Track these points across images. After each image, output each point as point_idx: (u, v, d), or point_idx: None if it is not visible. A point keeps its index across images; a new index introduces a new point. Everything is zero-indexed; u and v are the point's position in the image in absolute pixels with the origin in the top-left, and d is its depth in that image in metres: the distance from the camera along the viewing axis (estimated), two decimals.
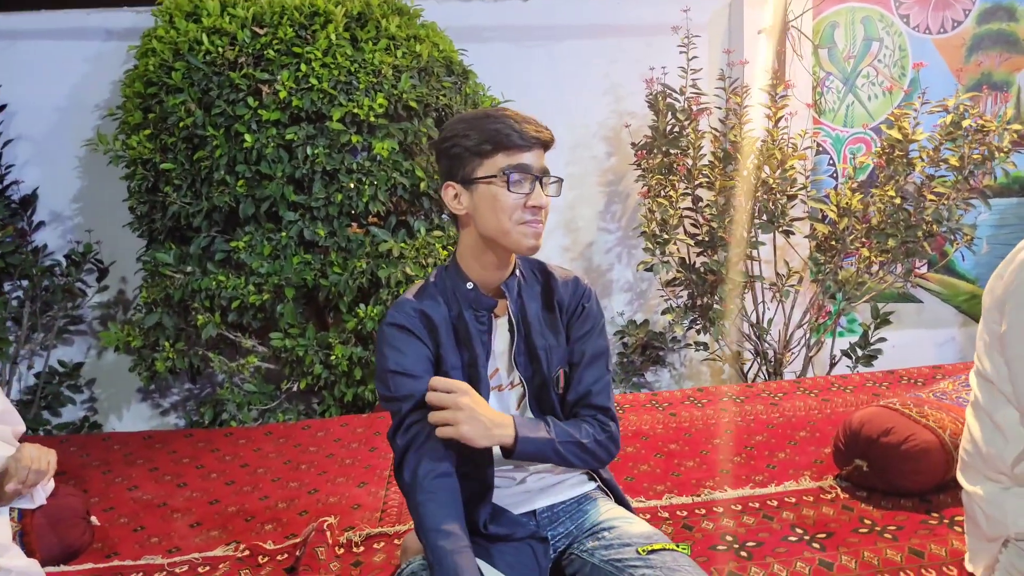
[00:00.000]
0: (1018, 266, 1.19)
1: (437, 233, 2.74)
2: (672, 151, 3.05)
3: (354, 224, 2.68)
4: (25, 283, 2.67)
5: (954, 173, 2.80)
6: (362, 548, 1.61)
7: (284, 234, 2.58)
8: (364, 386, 2.70)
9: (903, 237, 2.82)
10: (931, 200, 2.81)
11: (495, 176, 1.16)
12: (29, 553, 1.50)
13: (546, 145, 1.21)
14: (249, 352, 2.72)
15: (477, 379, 1.21)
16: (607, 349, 1.35)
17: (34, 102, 2.75)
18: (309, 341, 2.66)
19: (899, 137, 2.78)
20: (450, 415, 1.09)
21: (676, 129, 3.08)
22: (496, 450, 1.23)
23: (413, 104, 2.64)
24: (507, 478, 1.29)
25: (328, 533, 1.62)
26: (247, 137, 2.47)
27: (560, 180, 1.22)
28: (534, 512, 1.28)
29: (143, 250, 2.73)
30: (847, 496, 1.72)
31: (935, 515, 1.60)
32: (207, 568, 1.58)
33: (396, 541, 1.63)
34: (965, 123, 2.71)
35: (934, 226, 2.81)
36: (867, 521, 1.60)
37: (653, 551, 1.15)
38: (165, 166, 2.50)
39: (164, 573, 1.57)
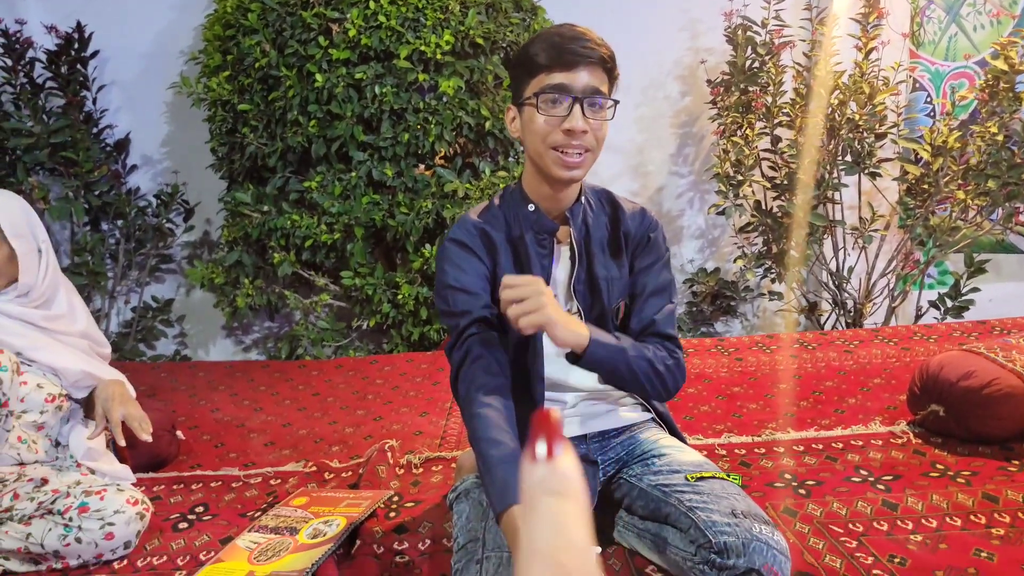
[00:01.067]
0: None
1: (502, 174, 2.73)
2: (750, 88, 2.90)
3: (421, 165, 2.70)
4: (120, 223, 2.84)
5: None
6: (420, 469, 1.67)
7: (354, 174, 2.63)
8: (430, 325, 2.76)
9: (1005, 179, 2.59)
10: None
11: (533, 97, 1.13)
12: (121, 460, 1.64)
13: (601, 63, 1.14)
14: (322, 290, 2.82)
15: None
16: (672, 282, 1.32)
17: (124, 48, 2.89)
18: (377, 280, 2.73)
19: (1005, 68, 2.53)
20: (533, 302, 1.06)
21: (756, 64, 2.92)
22: (548, 368, 1.23)
23: (480, 41, 2.60)
24: (558, 402, 1.29)
25: (389, 454, 1.68)
26: (318, 77, 2.51)
27: (614, 103, 1.16)
28: (584, 436, 1.28)
29: (224, 191, 2.86)
30: (920, 441, 1.63)
31: (1016, 462, 1.50)
32: (278, 481, 1.68)
33: (453, 465, 1.68)
34: None
35: None
36: (939, 466, 1.52)
37: (702, 478, 1.13)
38: (242, 107, 2.59)
39: (240, 483, 1.68)
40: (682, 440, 1.32)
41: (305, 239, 2.65)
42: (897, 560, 1.21)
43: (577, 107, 1.12)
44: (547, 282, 1.22)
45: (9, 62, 2.60)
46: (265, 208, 2.70)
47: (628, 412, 1.31)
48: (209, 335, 3.29)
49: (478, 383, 1.13)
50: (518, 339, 1.21)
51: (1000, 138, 2.58)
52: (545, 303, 1.06)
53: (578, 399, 1.29)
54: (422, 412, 2.06)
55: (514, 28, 2.72)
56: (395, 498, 1.51)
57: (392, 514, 1.45)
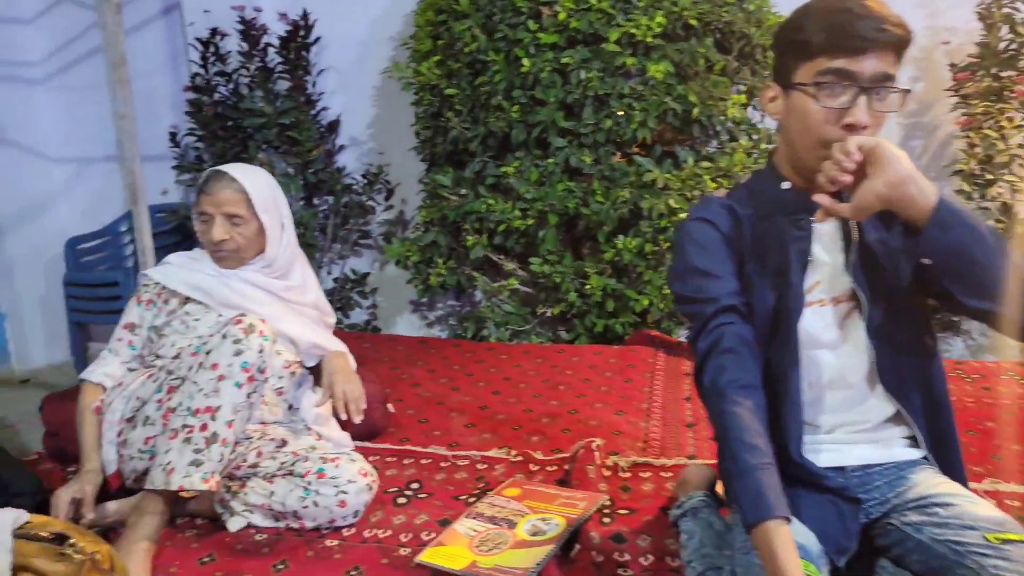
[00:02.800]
0: None
1: (706, 164, 2.58)
2: (1005, 73, 2.51)
3: (617, 153, 2.62)
4: (330, 199, 3.04)
5: None
6: (628, 474, 1.61)
7: (551, 160, 2.61)
8: (615, 319, 2.69)
9: None
10: None
11: (807, 84, 1.00)
12: (343, 426, 1.73)
13: (897, 46, 0.99)
14: (510, 275, 2.84)
15: (787, 288, 1.08)
16: None
17: (342, 35, 3.06)
18: (566, 269, 2.69)
19: None
20: (872, 141, 0.93)
21: (1013, 46, 2.52)
22: (801, 378, 1.09)
23: (693, 22, 2.46)
24: (812, 425, 1.16)
25: (596, 454, 1.64)
26: (525, 62, 2.50)
27: (904, 91, 1.01)
28: (843, 469, 1.14)
29: (424, 173, 2.96)
30: None
31: None
32: (485, 466, 1.70)
33: (662, 474, 1.61)
34: None
35: None
36: None
37: (1008, 541, 0.95)
38: (449, 91, 2.65)
39: (448, 463, 1.72)
40: (964, 484, 1.13)
41: (498, 223, 2.68)
42: None
43: (863, 98, 0.98)
44: (802, 268, 1.09)
45: (246, 47, 2.84)
46: (463, 191, 2.75)
47: (894, 445, 1.15)
48: (397, 309, 3.46)
49: (729, 376, 1.04)
50: (765, 332, 1.09)
51: None
52: (887, 144, 0.92)
53: (835, 423, 1.15)
54: (618, 411, 2.01)
55: (730, 9, 2.54)
56: (606, 503, 1.47)
57: (606, 520, 1.41)
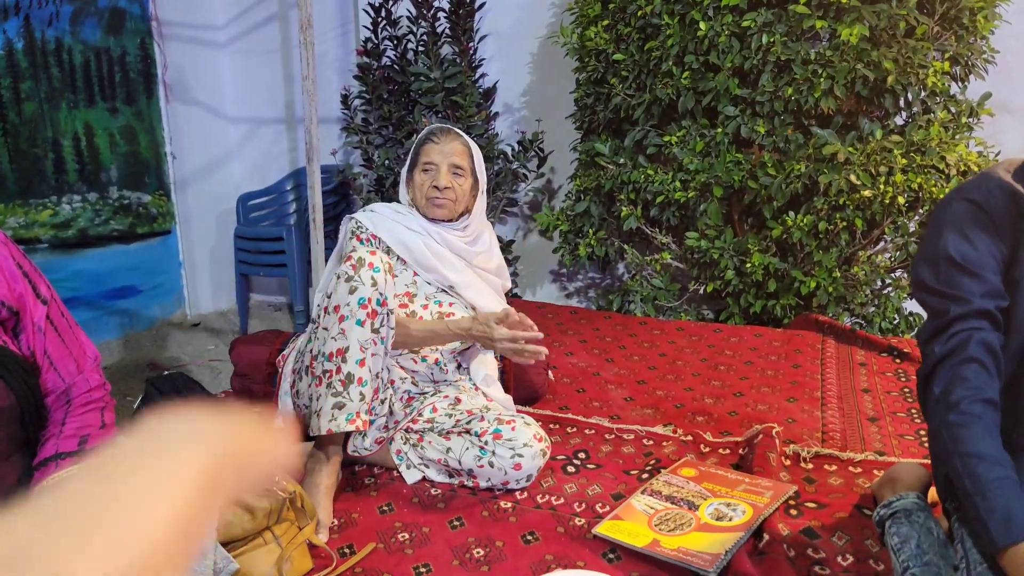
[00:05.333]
0: None
1: (896, 138, 2.35)
2: None
3: (792, 126, 2.44)
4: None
5: None
6: (811, 466, 1.51)
7: (720, 130, 2.47)
8: (775, 300, 2.54)
9: None
10: None
11: None
12: (505, 389, 1.75)
13: None
14: (662, 248, 2.75)
15: None
16: None
17: (504, 1, 3.04)
18: (725, 244, 2.57)
19: None
20: None
21: None
22: None
23: None
24: None
25: (777, 440, 1.55)
26: (701, 25, 2.37)
27: None
28: None
29: (577, 141, 2.91)
30: None
31: None
32: (651, 442, 1.65)
33: (850, 468, 1.49)
34: None
35: None
36: None
37: None
38: (617, 56, 2.56)
39: (612, 435, 1.70)
40: None
41: (656, 195, 2.59)
42: None
43: None
44: None
45: (415, 12, 2.89)
46: (621, 160, 2.68)
47: None
48: (537, 278, 3.46)
49: (967, 388, 0.93)
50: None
51: None
52: None
53: None
54: (789, 397, 1.89)
55: None
56: (793, 495, 1.39)
57: (793, 512, 1.33)
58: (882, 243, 2.55)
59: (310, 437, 1.43)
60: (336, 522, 1.33)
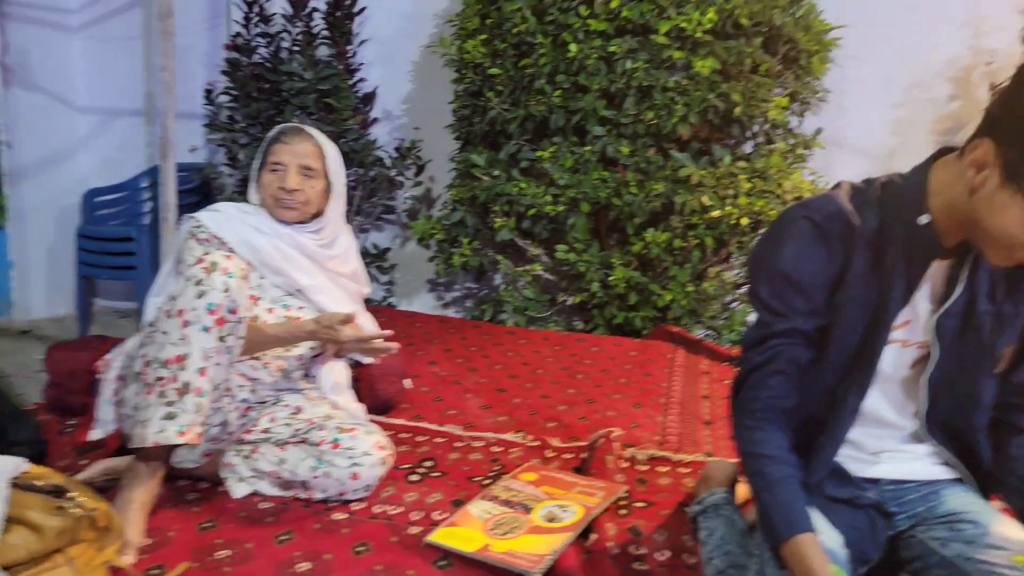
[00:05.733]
0: None
1: (742, 164, 2.55)
2: None
3: (653, 148, 2.59)
4: (359, 170, 3.02)
5: None
6: (646, 467, 1.59)
7: (588, 148, 2.58)
8: (636, 312, 2.67)
9: None
10: None
11: None
12: (358, 398, 1.72)
13: None
14: (534, 260, 2.82)
15: (877, 323, 1.01)
16: None
17: (387, 7, 3.03)
18: (592, 258, 2.67)
19: None
20: None
21: None
22: (869, 401, 1.06)
23: (744, 21, 2.42)
24: (855, 444, 1.12)
25: (615, 444, 1.62)
26: (572, 47, 2.47)
27: None
28: (878, 481, 1.12)
29: (456, 152, 2.93)
30: None
31: None
32: (500, 449, 1.68)
33: (679, 469, 1.59)
34: None
35: None
36: None
37: None
38: (493, 71, 2.62)
39: (463, 443, 1.71)
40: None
41: (528, 208, 2.65)
42: None
43: None
44: (901, 303, 1.00)
45: (291, 10, 2.82)
46: (495, 173, 2.73)
47: (934, 467, 1.13)
48: (414, 287, 3.44)
49: (769, 394, 1.02)
50: (841, 362, 1.04)
51: None
52: None
53: (879, 449, 1.12)
54: (636, 403, 1.99)
55: (781, 13, 2.49)
56: (623, 495, 1.45)
57: (623, 511, 1.40)
58: (729, 260, 2.75)
59: (130, 450, 1.33)
60: (149, 541, 1.24)
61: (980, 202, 0.88)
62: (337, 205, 1.67)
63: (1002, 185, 0.85)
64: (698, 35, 2.39)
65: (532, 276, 2.81)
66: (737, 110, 2.47)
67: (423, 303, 3.46)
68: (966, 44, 2.82)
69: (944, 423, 1.09)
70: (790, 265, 1.00)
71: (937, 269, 1.01)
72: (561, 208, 2.61)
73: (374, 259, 3.36)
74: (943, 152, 0.98)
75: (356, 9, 2.86)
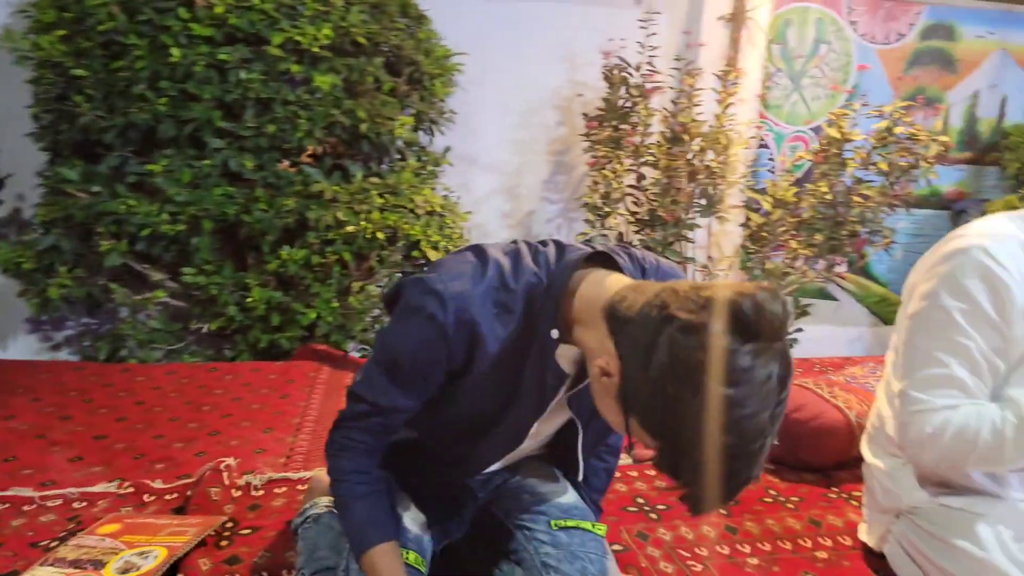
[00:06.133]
0: (938, 256, 1.20)
1: (375, 180, 2.62)
2: (622, 126, 3.02)
3: (285, 160, 2.52)
4: None
5: (882, 178, 2.89)
6: (261, 492, 1.51)
7: (208, 162, 2.39)
8: (281, 333, 2.56)
9: (829, 233, 2.89)
10: (857, 201, 2.89)
11: None
12: None
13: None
14: (157, 286, 2.52)
15: (515, 430, 1.01)
16: None
17: None
18: (225, 280, 2.49)
19: (837, 135, 2.84)
20: None
21: (628, 104, 3.05)
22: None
23: (362, 40, 2.49)
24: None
25: (225, 474, 1.50)
26: (174, 52, 2.26)
27: None
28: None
29: (46, 165, 2.49)
30: None
31: (835, 489, 1.66)
32: (84, 504, 1.44)
33: (299, 487, 1.53)
34: (897, 130, 2.79)
35: (858, 226, 2.90)
36: (772, 492, 1.64)
37: (565, 528, 1.09)
38: (77, 72, 2.27)
39: (33, 505, 1.42)
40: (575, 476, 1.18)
41: (142, 227, 2.36)
42: None
43: None
44: (542, 395, 0.97)
45: None
46: (95, 189, 2.37)
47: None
48: (8, 329, 2.83)
49: (361, 441, 1.00)
50: (470, 433, 1.05)
51: (829, 197, 2.88)
52: None
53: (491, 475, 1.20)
54: (266, 428, 1.88)
55: (399, 33, 2.63)
56: (229, 524, 1.35)
57: (224, 543, 1.29)
58: (373, 274, 2.80)
59: None
60: None
61: (595, 383, 0.86)
62: None
63: (616, 398, 0.82)
64: (315, 50, 2.39)
65: (157, 304, 2.51)
66: (363, 127, 2.53)
67: (25, 348, 2.85)
68: (565, 76, 3.32)
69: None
70: (407, 358, 0.93)
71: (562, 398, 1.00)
72: (181, 227, 2.38)
73: None
74: (583, 260, 0.93)
75: None
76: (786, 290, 3.04)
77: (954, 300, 1.14)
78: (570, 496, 1.17)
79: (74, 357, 2.86)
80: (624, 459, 1.74)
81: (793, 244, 2.96)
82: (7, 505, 1.41)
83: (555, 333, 0.90)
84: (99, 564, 1.16)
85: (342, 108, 2.49)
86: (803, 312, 3.06)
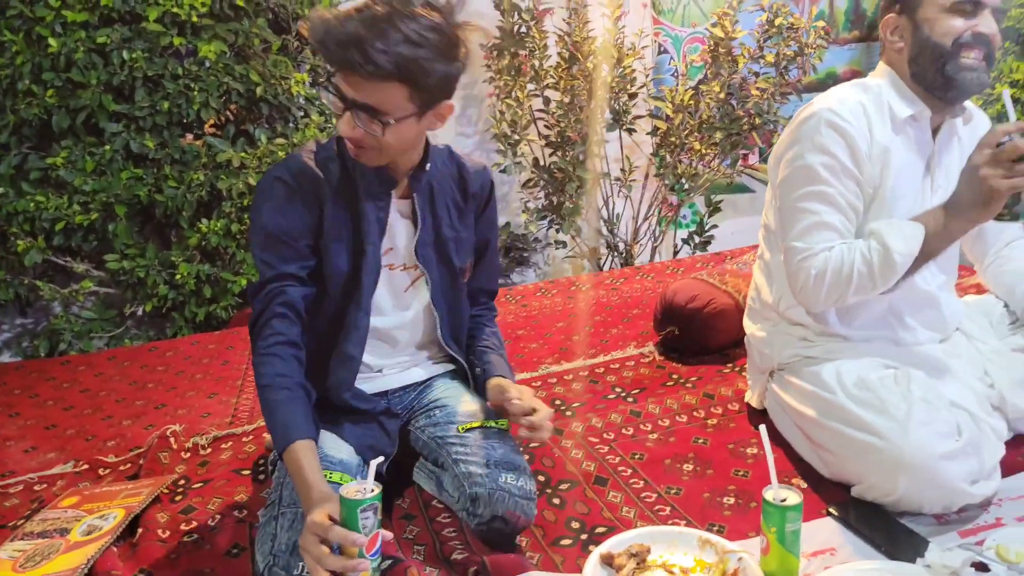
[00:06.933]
0: (794, 125, 1.35)
1: (280, 141, 2.65)
2: (520, 52, 3.07)
3: (188, 135, 2.54)
4: None
5: (773, 69, 3.02)
6: (209, 450, 1.63)
7: (108, 148, 2.40)
8: (216, 304, 2.64)
9: (729, 130, 3.04)
10: (754, 95, 3.03)
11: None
12: None
13: (375, 75, 1.02)
14: (83, 277, 2.56)
15: (362, 253, 1.20)
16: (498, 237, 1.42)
17: None
18: (150, 261, 2.54)
19: (722, 35, 2.95)
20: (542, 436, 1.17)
21: (523, 30, 3.09)
22: (375, 320, 1.26)
23: (240, 2, 2.47)
24: (367, 365, 1.32)
25: (172, 439, 1.62)
26: (52, 42, 2.24)
27: (381, 114, 1.06)
28: (386, 393, 1.34)
29: None
30: (663, 358, 1.94)
31: (729, 365, 1.86)
32: (43, 486, 1.55)
33: (244, 439, 1.67)
34: (778, 21, 2.91)
35: (757, 119, 3.05)
36: (674, 376, 1.83)
37: (470, 429, 1.25)
38: None
39: None
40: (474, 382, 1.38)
41: (55, 222, 2.39)
42: (637, 456, 1.46)
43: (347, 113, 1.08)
44: (380, 234, 1.21)
45: None
46: (0, 190, 2.37)
47: (431, 366, 1.39)
48: None
49: (273, 334, 1.14)
50: (339, 291, 1.22)
51: (723, 96, 3.02)
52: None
53: (384, 366, 1.34)
54: (211, 393, 2.00)
55: None
56: (181, 482, 1.48)
57: (178, 497, 1.42)
58: None
59: None
60: None
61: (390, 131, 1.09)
62: None
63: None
64: (194, 20, 2.37)
65: (86, 294, 2.56)
66: (259, 90, 2.54)
67: None
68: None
69: (454, 336, 1.36)
70: (270, 222, 1.15)
71: (403, 206, 1.24)
72: (95, 215, 2.41)
73: None
74: None
75: None
76: (700, 190, 3.21)
77: (815, 156, 1.30)
78: (473, 404, 1.33)
79: (17, 358, 2.90)
80: (536, 372, 1.91)
81: (697, 145, 3.11)
82: None
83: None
84: (64, 531, 1.29)
85: (234, 75, 2.49)
86: (716, 209, 3.23)
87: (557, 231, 3.25)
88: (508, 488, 1.15)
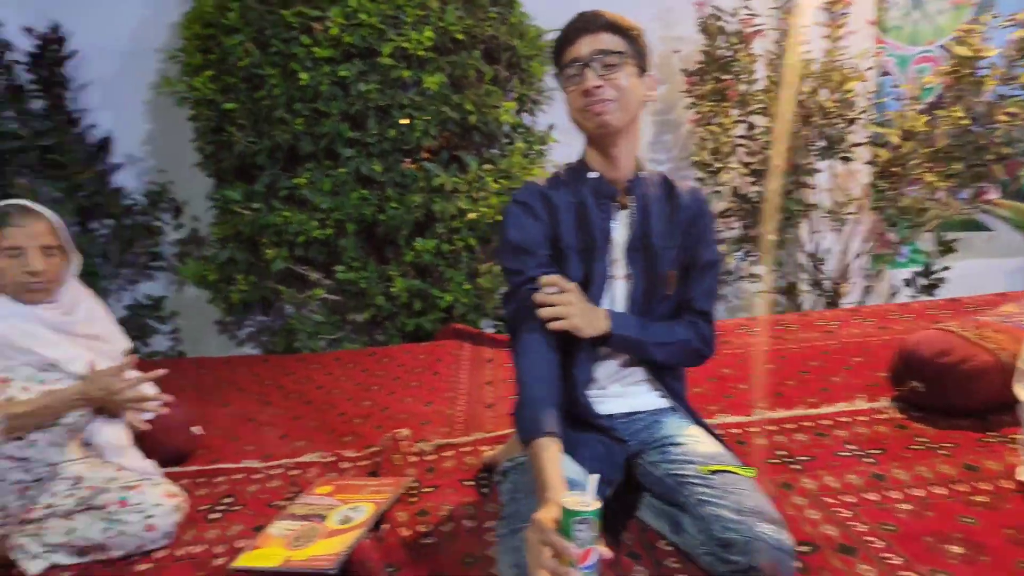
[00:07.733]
0: None
1: (488, 167, 2.81)
2: (724, 77, 3.01)
3: (407, 160, 2.77)
4: (111, 222, 2.86)
5: None
6: (434, 456, 1.77)
7: (342, 170, 2.69)
8: (424, 316, 2.85)
9: (970, 160, 2.74)
10: (1002, 121, 2.71)
11: (560, 75, 1.31)
12: (146, 454, 1.70)
13: (604, 27, 1.27)
14: (315, 285, 2.88)
15: (592, 262, 1.32)
16: (719, 260, 1.44)
17: (100, 47, 2.87)
18: (371, 274, 2.80)
19: (968, 54, 2.67)
20: (562, 309, 1.22)
21: (729, 54, 3.03)
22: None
23: (460, 36, 2.67)
24: (593, 380, 1.38)
25: (403, 444, 1.78)
26: (302, 75, 2.55)
27: (614, 53, 1.25)
28: (611, 415, 1.37)
29: (212, 189, 2.89)
30: (902, 416, 1.75)
31: (991, 434, 1.62)
32: (298, 471, 1.76)
33: (462, 450, 1.79)
34: None
35: (1004, 148, 2.72)
36: (921, 439, 1.64)
37: (715, 471, 1.21)
38: (227, 106, 2.62)
39: (261, 474, 1.77)
40: (705, 427, 1.39)
41: (297, 235, 2.71)
42: (889, 527, 1.31)
43: (587, 69, 1.25)
44: (606, 244, 1.33)
45: None
46: (255, 205, 2.74)
47: (651, 397, 1.41)
48: (203, 331, 3.33)
49: (528, 329, 1.26)
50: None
51: (965, 122, 2.72)
52: (571, 312, 1.21)
53: (609, 378, 1.39)
54: (427, 402, 2.16)
55: (493, 23, 2.78)
56: (414, 484, 1.62)
57: (413, 499, 1.56)
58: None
59: None
60: None
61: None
62: (71, 269, 1.64)
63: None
64: (420, 53, 2.59)
65: (317, 300, 2.87)
66: (472, 118, 2.72)
67: (218, 345, 3.36)
68: (659, 35, 3.33)
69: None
70: (514, 236, 1.32)
71: (620, 215, 1.34)
72: (329, 231, 2.70)
73: (150, 310, 3.20)
74: None
75: (65, 52, 2.68)
76: (927, 227, 2.92)
77: None
78: (712, 446, 1.31)
79: (256, 351, 3.33)
80: (751, 416, 1.83)
81: (929, 177, 2.83)
82: (242, 475, 1.77)
83: (593, 174, 1.33)
84: (321, 517, 1.46)
85: (451, 104, 2.69)
86: (948, 248, 2.92)
87: (752, 264, 3.13)
88: (766, 538, 1.09)
